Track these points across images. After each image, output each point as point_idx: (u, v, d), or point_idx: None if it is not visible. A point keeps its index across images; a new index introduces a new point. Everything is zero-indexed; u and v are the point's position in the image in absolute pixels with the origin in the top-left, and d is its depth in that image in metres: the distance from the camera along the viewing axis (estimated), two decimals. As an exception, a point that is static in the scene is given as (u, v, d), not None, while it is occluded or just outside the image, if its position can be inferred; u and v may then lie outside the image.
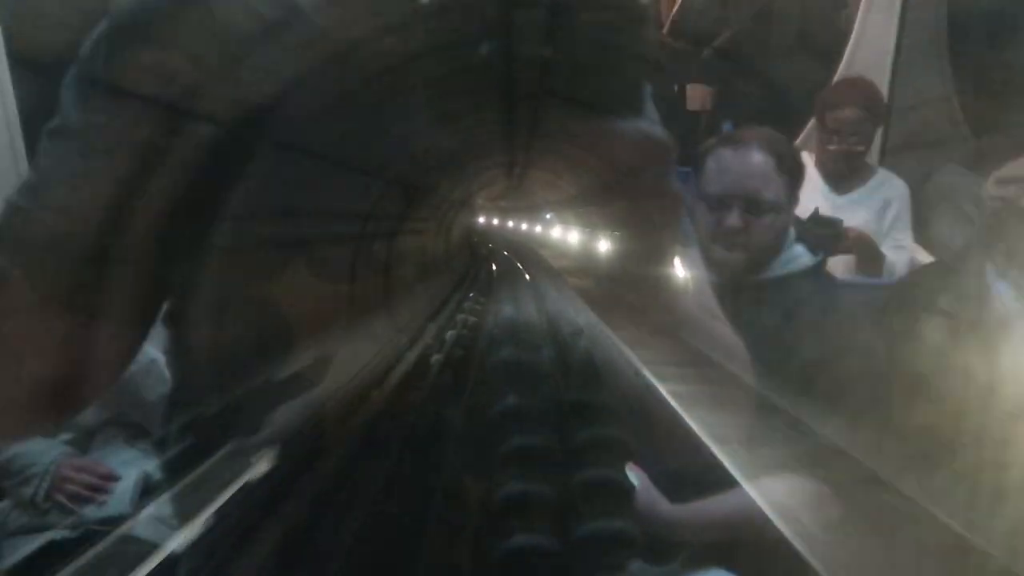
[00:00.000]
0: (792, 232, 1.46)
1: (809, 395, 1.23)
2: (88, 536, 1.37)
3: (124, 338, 0.68)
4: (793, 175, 1.40)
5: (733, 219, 1.35)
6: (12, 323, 0.58)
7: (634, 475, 1.23)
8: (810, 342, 1.30)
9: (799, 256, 1.42)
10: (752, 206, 1.36)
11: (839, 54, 2.69)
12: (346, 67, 0.65)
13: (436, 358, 0.88)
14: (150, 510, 1.43)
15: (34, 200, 0.60)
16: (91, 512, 1.40)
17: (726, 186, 1.37)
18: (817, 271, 1.44)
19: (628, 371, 0.96)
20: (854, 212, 2.22)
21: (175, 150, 0.60)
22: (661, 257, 0.90)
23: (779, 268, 1.39)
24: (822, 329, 1.33)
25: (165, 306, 0.71)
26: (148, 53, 0.59)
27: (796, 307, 1.35)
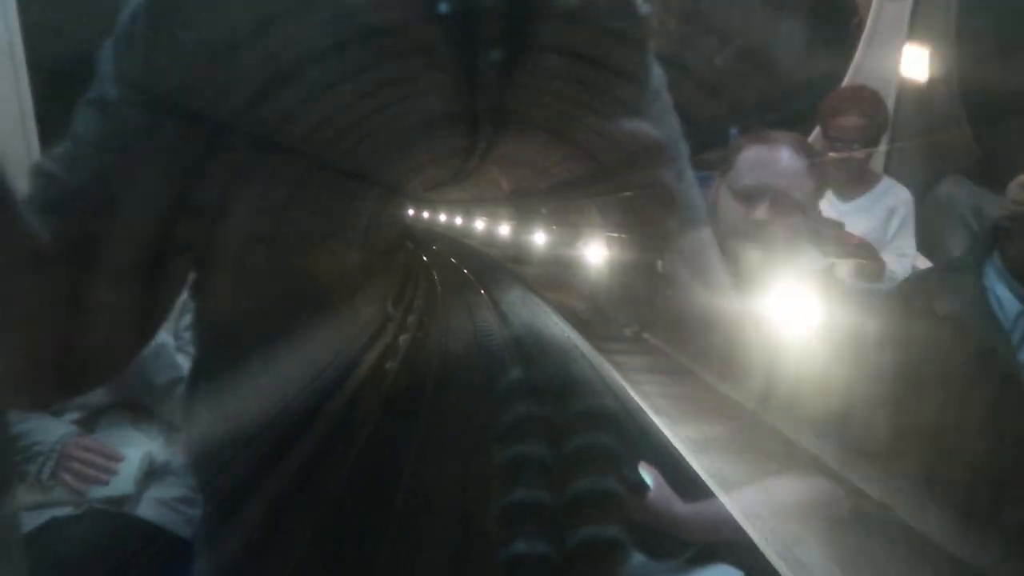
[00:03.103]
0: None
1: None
2: (91, 515, 1.38)
3: (149, 310, 0.69)
4: (819, 182, 1.42)
5: (761, 212, 1.37)
6: (41, 289, 0.58)
7: (648, 475, 1.24)
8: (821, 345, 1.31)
9: (813, 259, 1.43)
10: (781, 202, 1.37)
11: (847, 61, 2.70)
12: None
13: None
14: (152, 491, 1.45)
15: (67, 169, 0.61)
16: (95, 491, 1.41)
17: (759, 179, 1.39)
18: (828, 274, 1.46)
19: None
20: (858, 219, 2.23)
21: (204, 127, 0.60)
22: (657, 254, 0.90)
23: (794, 269, 1.41)
24: (833, 331, 1.34)
25: (191, 279, 0.73)
26: (184, 30, 0.59)
27: (809, 308, 1.36)
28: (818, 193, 1.43)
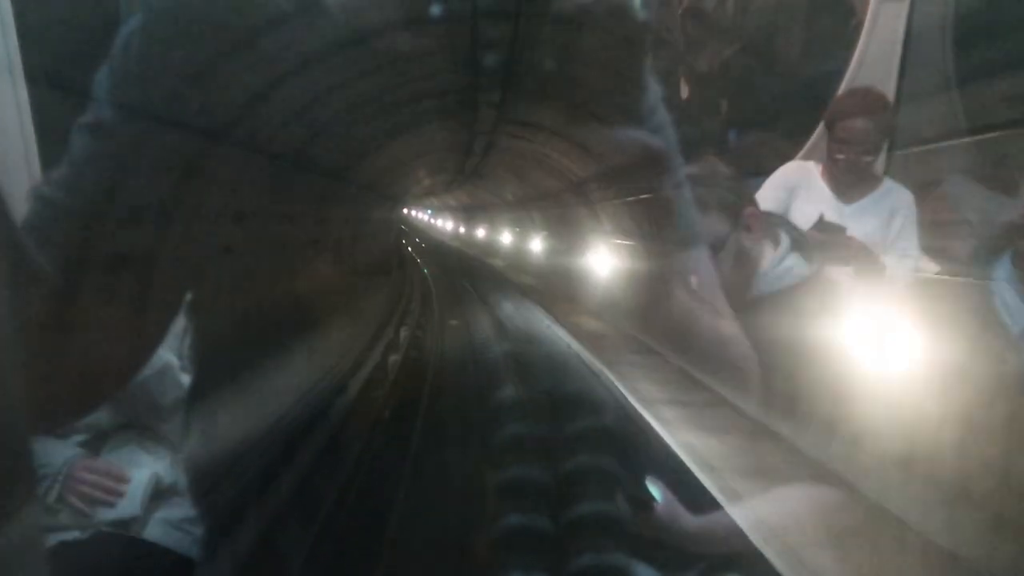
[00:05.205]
0: (786, 244, 1.46)
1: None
2: (99, 538, 1.39)
3: (146, 332, 0.69)
4: None
5: None
6: (38, 311, 0.58)
7: (656, 489, 1.25)
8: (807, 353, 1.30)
9: (792, 268, 1.42)
10: None
11: (846, 64, 2.70)
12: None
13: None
14: (160, 512, 1.45)
15: (67, 194, 0.61)
16: (103, 514, 1.41)
17: None
18: (814, 282, 1.44)
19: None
20: (860, 221, 2.22)
21: (198, 143, 0.61)
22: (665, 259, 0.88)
23: (773, 283, 1.40)
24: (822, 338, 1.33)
25: (187, 298, 0.73)
26: (178, 56, 0.60)
27: (794, 319, 1.35)
28: None
